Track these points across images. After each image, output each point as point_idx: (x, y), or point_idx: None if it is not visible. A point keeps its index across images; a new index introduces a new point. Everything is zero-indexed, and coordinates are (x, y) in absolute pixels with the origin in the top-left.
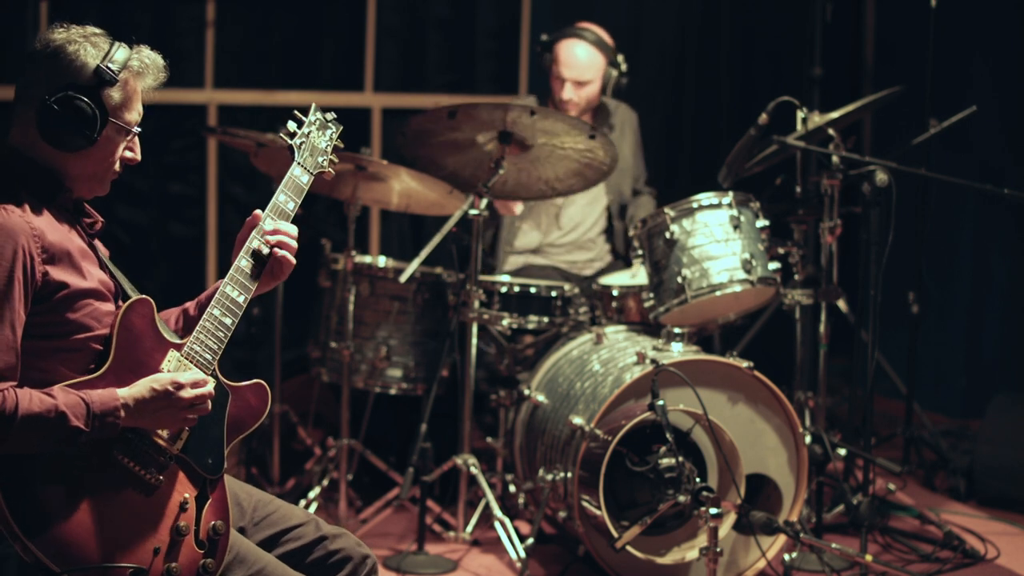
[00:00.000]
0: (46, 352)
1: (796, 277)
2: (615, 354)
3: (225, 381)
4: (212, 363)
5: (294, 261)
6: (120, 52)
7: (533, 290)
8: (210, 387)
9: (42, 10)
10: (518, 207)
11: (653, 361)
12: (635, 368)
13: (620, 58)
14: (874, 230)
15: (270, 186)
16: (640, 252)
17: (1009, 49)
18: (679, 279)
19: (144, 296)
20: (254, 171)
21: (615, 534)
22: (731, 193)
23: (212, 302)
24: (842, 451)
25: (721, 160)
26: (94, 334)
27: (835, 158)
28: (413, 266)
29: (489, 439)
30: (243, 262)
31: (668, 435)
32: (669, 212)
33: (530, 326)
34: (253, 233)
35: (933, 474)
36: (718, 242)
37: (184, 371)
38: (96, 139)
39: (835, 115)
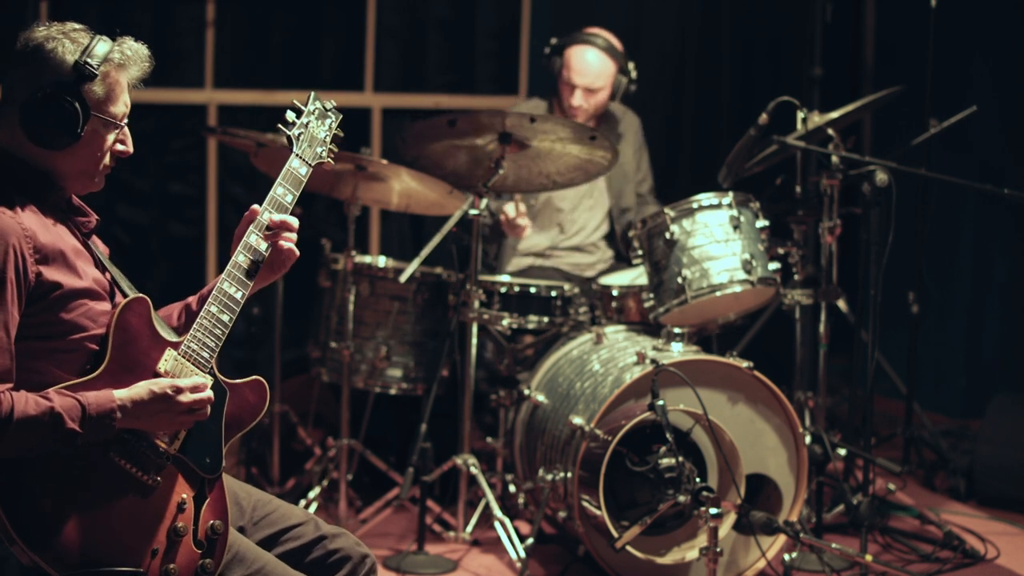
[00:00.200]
0: (41, 353)
1: (796, 277)
2: (615, 354)
3: (223, 379)
4: (210, 361)
5: (297, 252)
6: (100, 46)
7: (533, 290)
8: (209, 392)
9: (42, 10)
10: (527, 231)
11: (653, 361)
12: (635, 368)
13: (631, 65)
14: (874, 230)
15: (270, 186)
16: (640, 252)
17: (1009, 49)
18: (679, 279)
19: (140, 295)
20: (254, 171)
21: (615, 534)
22: (731, 193)
23: (209, 299)
24: (842, 451)
25: (721, 160)
26: (89, 334)
27: (835, 158)
28: (413, 266)
29: (489, 439)
30: (240, 258)
31: (668, 435)
32: (669, 212)
33: (530, 326)
34: (251, 228)
35: (933, 474)
36: (718, 242)
37: (183, 371)
38: (80, 135)
39: (835, 115)
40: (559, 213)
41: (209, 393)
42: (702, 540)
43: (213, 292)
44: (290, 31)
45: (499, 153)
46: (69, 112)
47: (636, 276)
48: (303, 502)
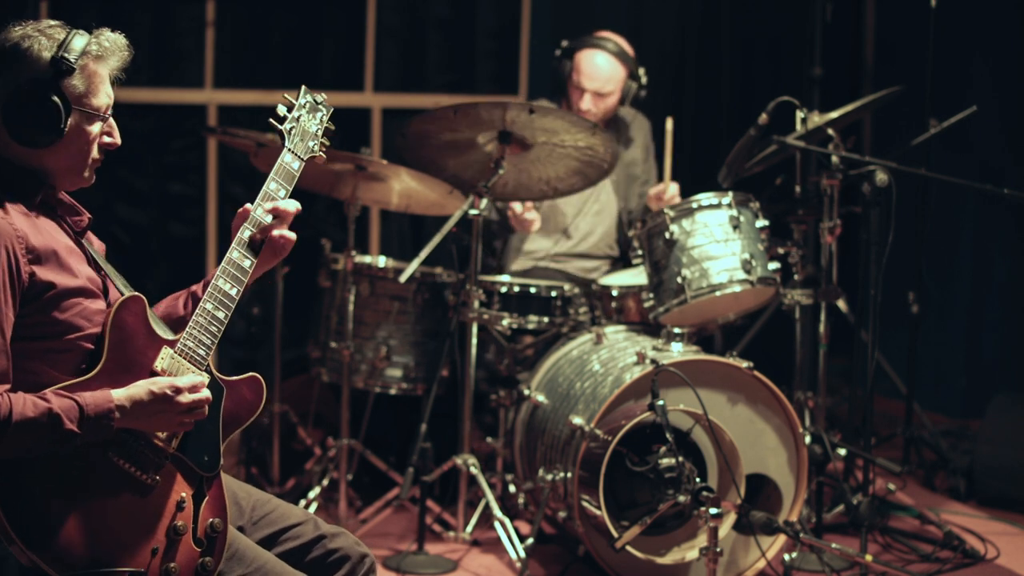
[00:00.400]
0: (36, 353)
1: (796, 277)
2: (615, 354)
3: (219, 376)
4: (206, 359)
5: (293, 236)
6: (77, 40)
7: (533, 290)
8: (207, 392)
9: (42, 10)
10: (535, 224)
11: (653, 361)
12: (635, 368)
13: (641, 71)
14: (874, 230)
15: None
16: (640, 252)
17: (1009, 49)
18: (679, 279)
19: (136, 293)
20: (254, 171)
21: (615, 534)
22: (731, 193)
23: (204, 296)
24: (842, 451)
25: (721, 160)
26: (84, 333)
27: (835, 158)
28: (413, 266)
29: (489, 439)
30: (235, 254)
31: (668, 435)
32: (669, 212)
33: (530, 326)
34: (244, 224)
35: (933, 474)
36: (718, 242)
37: (179, 369)
38: (64, 131)
39: (835, 115)
40: (564, 218)
41: (207, 393)
42: (702, 540)
43: (209, 289)
44: (290, 31)
45: (499, 153)
46: (50, 109)
47: (636, 276)
48: (303, 502)
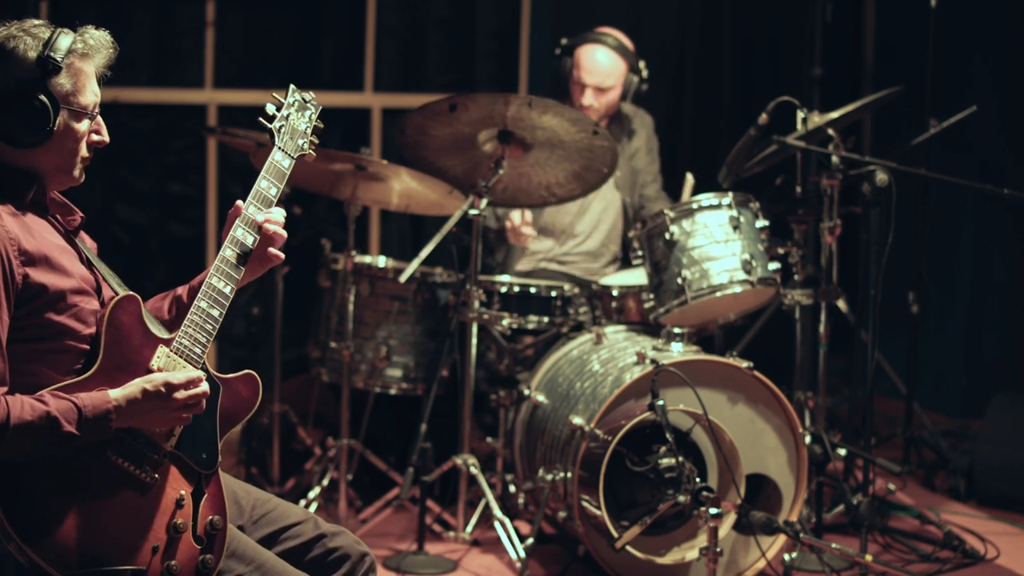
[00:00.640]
0: (32, 355)
1: (796, 277)
2: (615, 354)
3: (215, 374)
4: (201, 357)
5: (282, 256)
6: (62, 39)
7: (533, 290)
8: (204, 387)
9: (42, 10)
10: (529, 240)
11: (653, 361)
12: (635, 368)
13: (641, 64)
14: (874, 230)
15: None
16: (640, 253)
17: (1009, 49)
18: (679, 280)
19: (131, 292)
20: (254, 171)
21: (615, 534)
22: (731, 193)
23: (199, 294)
24: (842, 451)
25: (721, 160)
26: (80, 334)
27: (835, 158)
28: (413, 266)
29: (489, 439)
30: (228, 252)
31: (668, 435)
32: (669, 213)
33: (530, 326)
34: (237, 221)
35: (933, 474)
36: (718, 243)
37: (175, 368)
38: (53, 130)
39: (835, 115)
40: (567, 217)
41: (204, 387)
42: (702, 540)
43: (202, 288)
44: (290, 31)
45: (499, 153)
46: (38, 108)
47: (636, 276)
48: (303, 502)
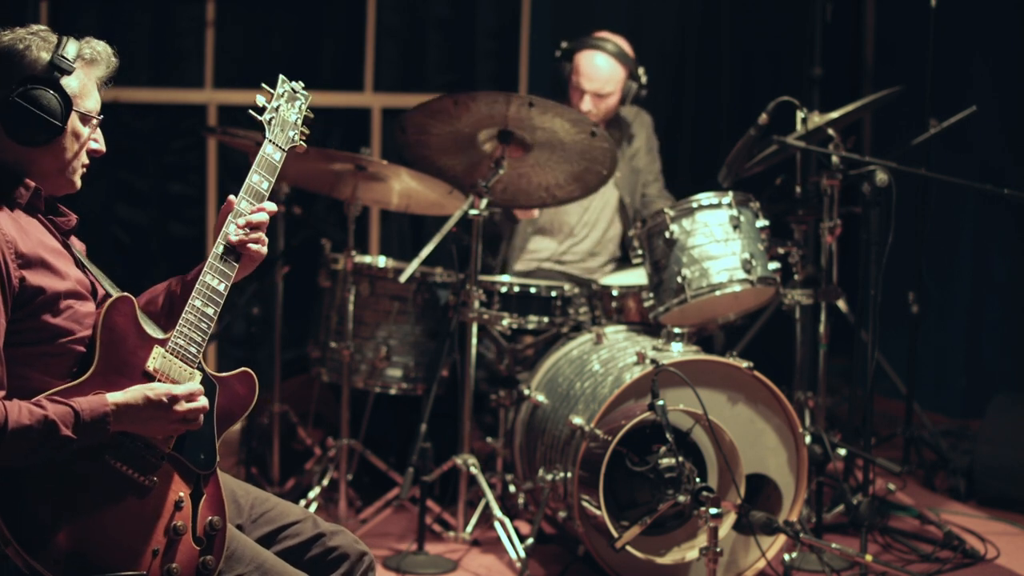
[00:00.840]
0: (27, 359)
1: (796, 277)
2: (615, 354)
3: (211, 373)
4: (197, 356)
5: (264, 252)
6: (71, 44)
7: (533, 290)
8: (204, 401)
9: (42, 10)
10: (536, 211)
11: (653, 361)
12: (635, 368)
13: (641, 70)
14: (874, 230)
15: None
16: (640, 252)
17: (1009, 49)
18: (679, 279)
19: (125, 294)
20: None
21: (615, 534)
22: (731, 193)
23: (193, 292)
24: (842, 451)
25: (721, 160)
26: (76, 337)
27: (835, 158)
28: (413, 266)
29: (489, 439)
30: (220, 249)
31: (668, 435)
32: (669, 212)
33: (530, 326)
34: (229, 218)
35: (933, 474)
36: (718, 242)
37: (172, 368)
38: (64, 127)
39: (835, 115)
40: (568, 217)
41: (204, 402)
42: (702, 540)
43: (196, 286)
44: (290, 31)
45: (499, 153)
46: (52, 105)
47: (636, 276)
48: (303, 502)
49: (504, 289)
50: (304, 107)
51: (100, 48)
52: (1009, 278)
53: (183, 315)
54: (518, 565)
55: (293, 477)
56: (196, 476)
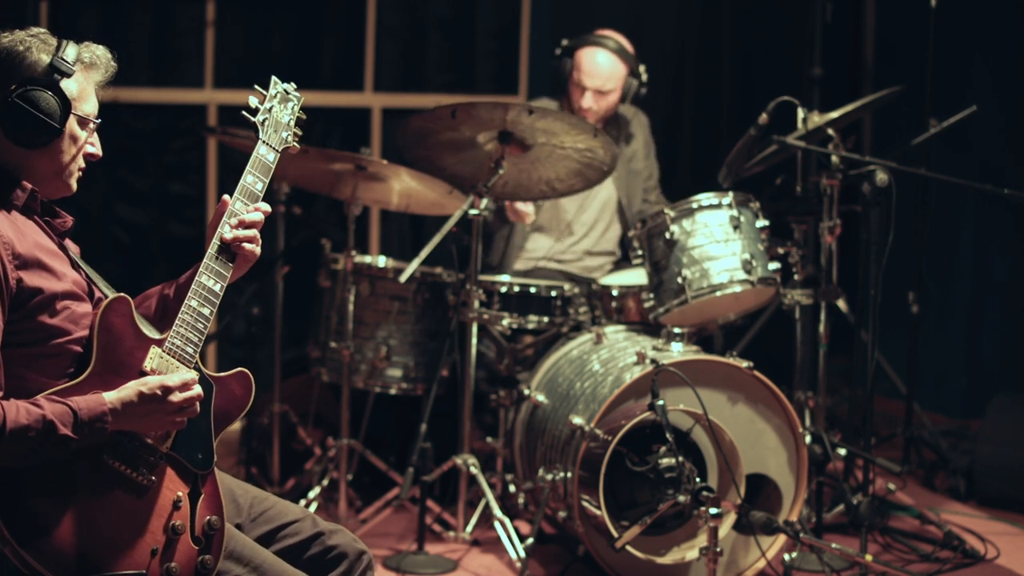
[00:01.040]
0: (24, 360)
1: (796, 277)
2: (615, 354)
3: (208, 373)
4: (194, 356)
5: (258, 252)
6: (71, 47)
7: (533, 290)
8: (198, 389)
9: (42, 10)
10: (529, 217)
11: (653, 361)
12: (635, 368)
13: (641, 68)
14: (874, 230)
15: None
16: (640, 252)
17: (1009, 49)
18: (679, 279)
19: (121, 294)
20: None
21: (615, 534)
22: (731, 193)
23: (189, 293)
24: (842, 451)
25: (721, 160)
26: (72, 337)
27: (835, 158)
28: (413, 266)
29: (489, 439)
30: (215, 249)
31: (668, 435)
32: (669, 212)
33: (530, 326)
34: (224, 219)
35: (933, 474)
36: (718, 242)
37: (168, 368)
38: (63, 129)
39: (835, 115)
40: (566, 215)
41: (198, 390)
42: (702, 540)
43: (192, 286)
44: (290, 31)
45: (499, 153)
46: (51, 106)
47: (636, 276)
48: (303, 502)
49: (504, 289)
50: (296, 108)
51: (100, 52)
52: (1009, 278)
53: (179, 315)
54: (518, 565)
55: (293, 477)
56: (194, 476)
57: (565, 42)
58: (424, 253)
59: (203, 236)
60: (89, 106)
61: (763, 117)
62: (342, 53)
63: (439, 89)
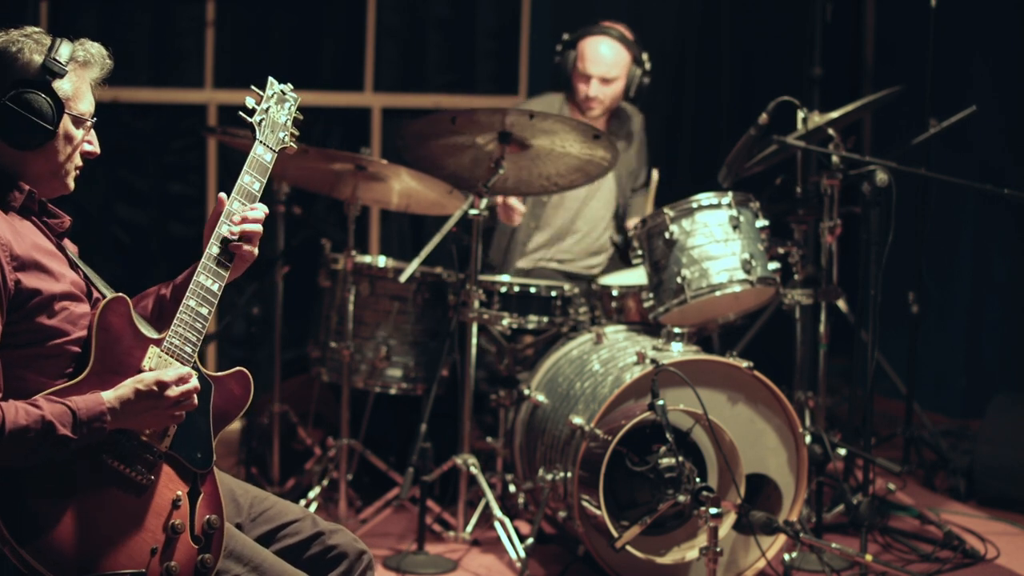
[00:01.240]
0: (23, 360)
1: (796, 277)
2: (615, 354)
3: (207, 372)
4: (192, 356)
5: (256, 252)
6: (64, 46)
7: (533, 290)
8: (195, 382)
9: (42, 10)
10: (517, 216)
11: (653, 361)
12: (635, 368)
13: (645, 56)
14: (874, 230)
15: (270, 186)
16: (640, 252)
17: (1009, 49)
18: (679, 279)
19: (119, 294)
20: None
21: (615, 534)
22: (731, 193)
23: (187, 293)
24: (842, 451)
25: (721, 160)
26: (71, 338)
27: (835, 158)
28: (413, 266)
29: (489, 439)
30: (214, 249)
31: (668, 435)
32: (668, 212)
33: (530, 326)
34: (222, 218)
35: (933, 474)
36: (718, 242)
37: (166, 367)
38: (56, 131)
39: (835, 115)
40: (566, 213)
41: (195, 383)
42: (702, 540)
43: (191, 286)
44: (290, 31)
45: (499, 153)
46: (43, 108)
47: (636, 276)
48: (303, 502)
49: (504, 289)
50: (293, 109)
51: (94, 50)
52: (1009, 278)
53: (178, 315)
54: (518, 565)
55: (293, 477)
56: (193, 475)
57: (566, 36)
58: (424, 253)
59: (203, 236)
60: (84, 105)
61: (763, 117)
62: (342, 53)
63: (439, 89)
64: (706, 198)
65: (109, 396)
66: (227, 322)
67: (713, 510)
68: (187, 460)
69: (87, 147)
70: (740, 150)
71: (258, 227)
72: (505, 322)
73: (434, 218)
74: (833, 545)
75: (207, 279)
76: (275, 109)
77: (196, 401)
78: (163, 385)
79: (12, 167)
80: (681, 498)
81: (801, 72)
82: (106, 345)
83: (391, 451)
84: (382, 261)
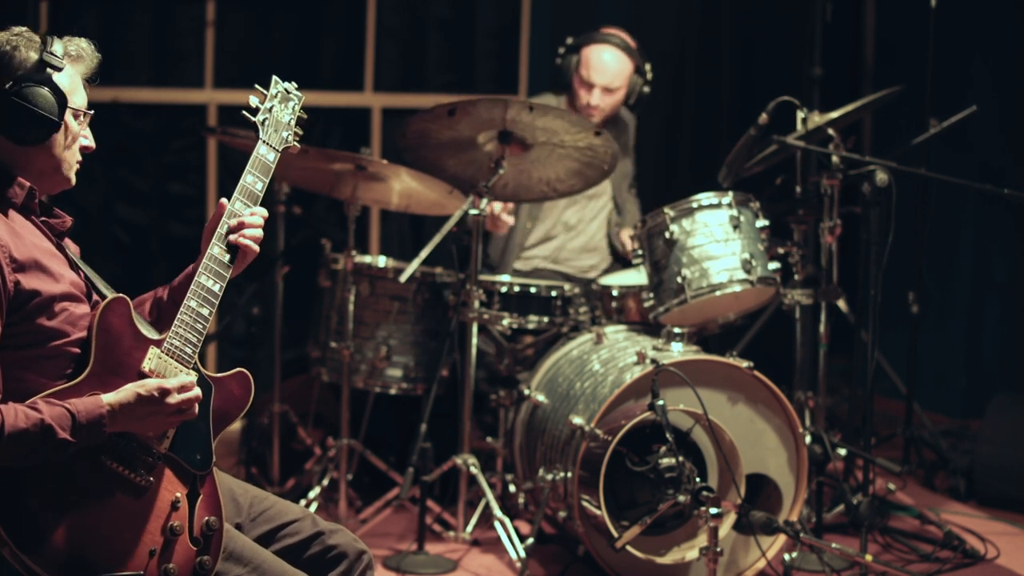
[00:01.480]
0: (22, 362)
1: (796, 277)
2: (615, 354)
3: (207, 373)
4: (193, 356)
5: (257, 249)
6: (56, 42)
7: (533, 290)
8: (197, 391)
9: (42, 10)
10: (504, 227)
11: (653, 361)
12: (635, 368)
13: (647, 66)
14: (874, 230)
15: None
16: (640, 252)
17: (1009, 49)
18: (679, 279)
19: (120, 295)
20: None
21: (615, 534)
22: (731, 193)
23: (188, 293)
24: (842, 451)
25: (721, 160)
26: (71, 339)
27: (835, 158)
28: (413, 266)
29: (489, 439)
30: (216, 250)
31: (668, 435)
32: (669, 212)
33: (530, 326)
34: (223, 219)
35: (933, 474)
36: (718, 242)
37: (167, 369)
38: (60, 122)
39: (835, 115)
40: (565, 215)
41: (197, 392)
42: (702, 540)
43: (192, 287)
44: (290, 31)
45: (499, 153)
46: (47, 101)
47: (636, 276)
48: (303, 502)
49: (504, 289)
50: (297, 108)
51: (84, 45)
52: (1009, 278)
53: (178, 315)
54: (518, 565)
55: (293, 477)
56: (192, 476)
57: (570, 40)
58: (424, 253)
59: (201, 239)
60: (80, 98)
61: (763, 117)
62: (342, 53)
63: (439, 89)
64: (706, 198)
65: (109, 399)
66: (227, 322)
67: (713, 510)
68: (186, 462)
69: (84, 141)
70: (740, 150)
71: (258, 232)
72: (505, 322)
73: (434, 218)
74: (833, 545)
75: (208, 279)
76: (279, 108)
77: (197, 411)
78: (165, 392)
79: (12, 163)
80: (681, 498)
81: (801, 72)
82: (106, 346)
83: (391, 451)
84: (382, 261)
